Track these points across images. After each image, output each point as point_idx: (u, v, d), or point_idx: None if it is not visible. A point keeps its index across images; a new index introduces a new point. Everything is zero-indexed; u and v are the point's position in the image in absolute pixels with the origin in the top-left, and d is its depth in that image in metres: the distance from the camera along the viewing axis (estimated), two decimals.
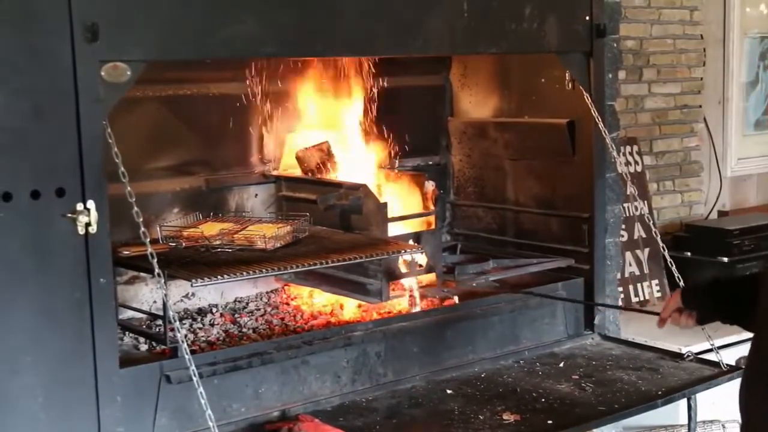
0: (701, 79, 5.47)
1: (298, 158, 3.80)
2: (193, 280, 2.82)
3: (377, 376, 3.30)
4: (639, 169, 5.04)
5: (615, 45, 3.84)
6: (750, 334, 2.24)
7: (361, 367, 3.26)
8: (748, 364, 2.16)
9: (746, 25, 5.68)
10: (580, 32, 3.69)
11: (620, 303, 4.09)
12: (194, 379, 2.58)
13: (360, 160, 3.90)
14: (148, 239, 2.64)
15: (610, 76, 3.82)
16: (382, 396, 3.25)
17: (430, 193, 3.74)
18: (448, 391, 3.31)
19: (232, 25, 2.83)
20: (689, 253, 5.04)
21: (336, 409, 3.14)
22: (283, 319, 3.55)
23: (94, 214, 2.55)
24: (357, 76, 3.97)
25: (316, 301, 3.75)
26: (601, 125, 3.69)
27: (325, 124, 3.92)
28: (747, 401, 2.12)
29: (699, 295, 2.75)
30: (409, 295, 3.61)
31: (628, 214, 4.76)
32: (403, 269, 3.50)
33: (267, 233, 3.23)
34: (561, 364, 3.59)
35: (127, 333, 3.29)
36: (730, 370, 3.42)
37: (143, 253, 2.70)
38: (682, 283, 3.46)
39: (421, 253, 3.48)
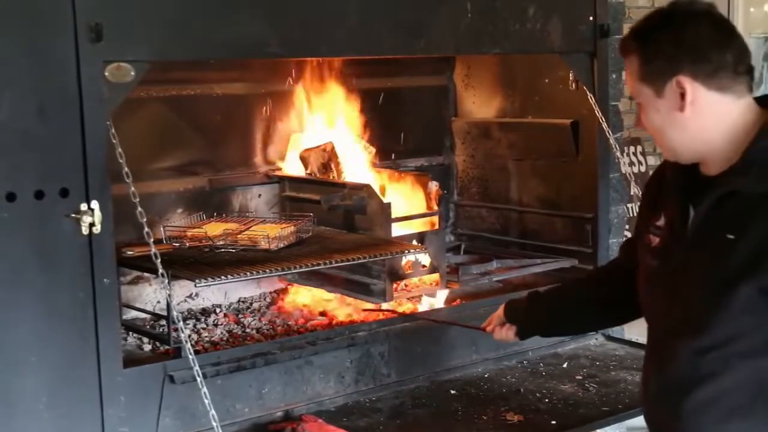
0: None
1: (301, 158, 3.80)
2: (197, 281, 2.82)
3: (381, 376, 3.30)
4: (643, 169, 5.05)
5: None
6: None
7: (365, 367, 3.26)
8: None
9: (750, 26, 5.68)
10: (583, 32, 3.68)
11: None
12: (198, 379, 2.58)
13: (363, 161, 3.90)
14: (152, 239, 2.64)
15: (614, 76, 3.81)
16: (386, 396, 3.25)
17: (434, 193, 3.74)
18: (452, 392, 3.31)
19: (236, 26, 2.83)
20: None
21: (339, 409, 3.15)
22: (285, 319, 3.55)
23: (97, 214, 2.55)
24: (361, 76, 3.98)
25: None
26: (604, 125, 3.69)
27: (328, 124, 3.92)
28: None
29: (517, 309, 2.74)
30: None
31: (631, 215, 4.76)
32: (407, 270, 3.50)
33: (270, 233, 3.23)
34: (564, 365, 3.59)
35: (130, 333, 3.29)
36: None
37: (147, 254, 2.70)
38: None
39: (425, 253, 3.48)
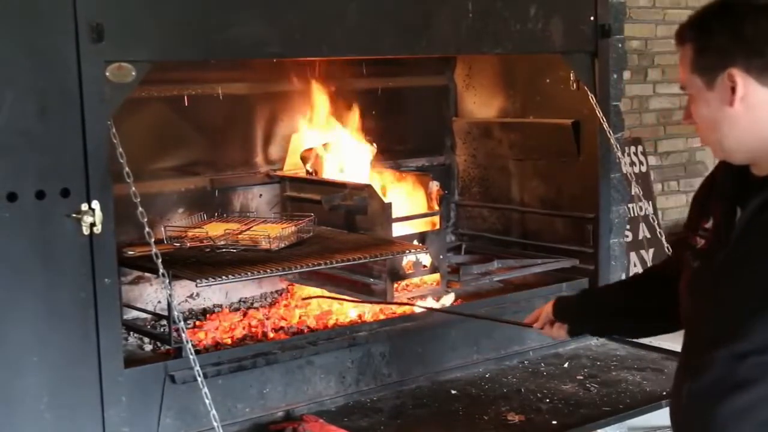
0: None
1: (302, 158, 3.80)
2: (198, 281, 2.83)
3: (382, 376, 3.30)
4: (644, 169, 5.04)
5: (620, 45, 3.83)
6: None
7: (366, 367, 3.26)
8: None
9: None
10: (584, 32, 3.68)
11: None
12: (199, 379, 2.58)
13: (364, 161, 3.90)
14: (153, 239, 2.65)
15: (615, 76, 3.81)
16: (387, 396, 3.25)
17: (435, 193, 3.74)
18: (453, 392, 3.32)
19: (238, 26, 2.83)
20: None
21: (340, 409, 3.15)
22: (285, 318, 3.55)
23: (98, 214, 2.55)
24: (362, 76, 3.98)
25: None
26: (605, 125, 3.69)
27: (329, 124, 3.92)
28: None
29: (567, 306, 2.65)
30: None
31: (632, 215, 4.77)
32: (408, 270, 3.50)
33: (271, 233, 3.23)
34: (565, 365, 3.59)
35: (131, 333, 3.29)
36: None
37: (148, 254, 2.70)
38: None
39: (426, 253, 3.48)
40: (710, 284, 1.98)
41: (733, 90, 1.86)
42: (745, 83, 1.85)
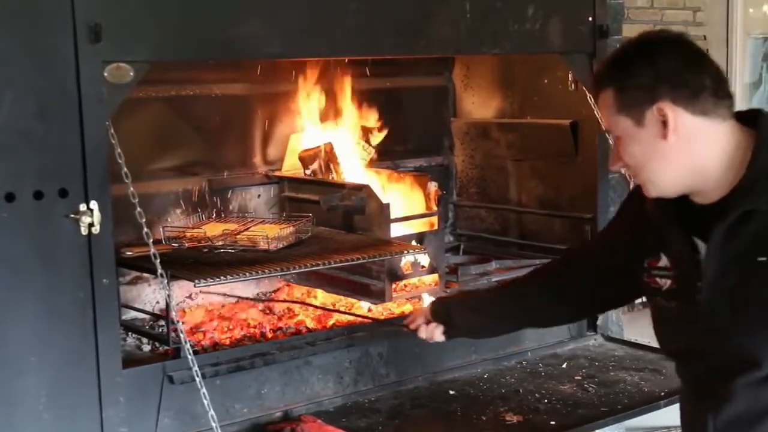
0: None
1: (300, 159, 3.80)
2: (196, 281, 2.82)
3: (380, 376, 3.30)
4: None
5: (618, 46, 3.83)
6: None
7: (364, 367, 3.26)
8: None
9: (749, 26, 5.68)
10: (583, 33, 3.68)
11: None
12: (197, 379, 2.58)
13: (363, 161, 3.90)
14: (151, 240, 2.64)
15: None
16: (385, 397, 3.25)
17: (433, 193, 3.74)
18: (451, 392, 3.32)
19: (236, 26, 2.83)
20: None
21: (338, 409, 3.15)
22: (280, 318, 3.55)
23: (97, 214, 2.55)
24: (360, 76, 3.98)
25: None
26: (603, 126, 3.68)
27: (327, 124, 3.92)
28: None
29: (445, 308, 2.61)
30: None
31: None
32: (406, 270, 3.50)
33: (270, 234, 3.23)
34: (564, 365, 3.59)
35: (130, 333, 3.29)
36: None
37: (146, 254, 2.69)
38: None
39: (424, 253, 3.48)
40: (702, 319, 1.94)
41: (665, 123, 1.85)
42: (675, 115, 1.84)
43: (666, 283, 2.02)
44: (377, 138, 3.93)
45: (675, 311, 2.02)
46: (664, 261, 2.02)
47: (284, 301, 3.67)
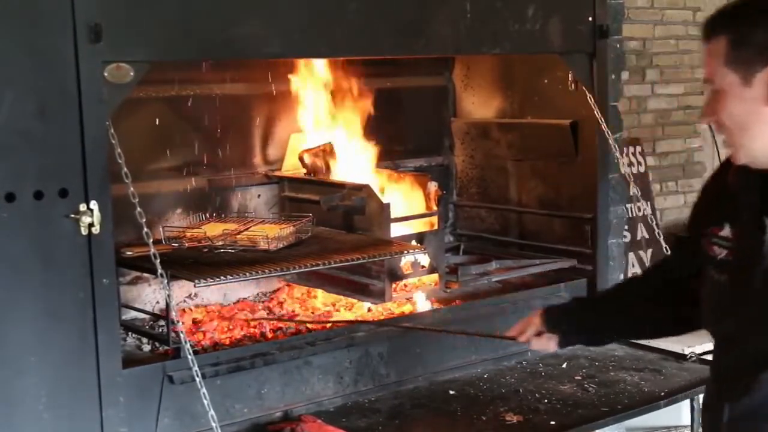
0: None
1: (301, 159, 3.80)
2: (196, 281, 2.83)
3: (380, 376, 3.30)
4: (642, 169, 5.04)
5: (618, 46, 3.84)
6: None
7: (364, 367, 3.26)
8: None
9: None
10: (583, 33, 3.68)
11: None
12: (197, 379, 2.58)
13: (363, 161, 3.90)
14: (151, 240, 2.65)
15: (613, 76, 3.82)
16: (385, 397, 3.25)
17: (433, 193, 3.74)
18: (451, 392, 3.32)
19: (236, 26, 2.83)
20: None
21: (339, 409, 3.15)
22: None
23: (97, 214, 2.55)
24: (360, 76, 3.98)
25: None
26: (604, 126, 3.69)
27: (328, 124, 3.92)
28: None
29: (559, 316, 2.48)
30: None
31: (631, 215, 4.77)
32: (406, 270, 3.50)
33: (270, 234, 3.23)
34: (564, 365, 3.59)
35: (130, 333, 3.29)
36: None
37: (146, 254, 2.70)
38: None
39: (424, 253, 3.48)
40: (749, 304, 1.86)
41: None
42: None
43: (722, 252, 1.91)
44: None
45: (725, 288, 1.92)
46: (726, 231, 1.90)
47: (271, 319, 3.50)
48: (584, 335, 2.51)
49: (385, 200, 3.51)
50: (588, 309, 2.53)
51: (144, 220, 2.64)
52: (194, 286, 2.87)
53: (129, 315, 3.41)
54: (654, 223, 3.97)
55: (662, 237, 3.88)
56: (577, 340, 2.57)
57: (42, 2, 2.48)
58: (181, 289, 3.58)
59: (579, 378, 3.45)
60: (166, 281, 2.67)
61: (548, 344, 2.48)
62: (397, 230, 3.52)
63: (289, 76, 3.81)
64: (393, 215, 3.49)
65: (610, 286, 2.80)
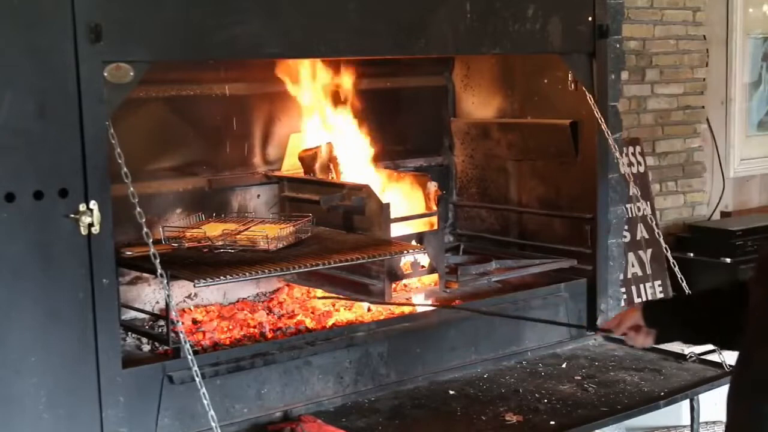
0: (704, 79, 5.46)
1: (300, 159, 3.80)
2: (196, 281, 2.82)
3: (380, 376, 3.30)
4: (642, 169, 5.04)
5: (618, 46, 3.84)
6: None
7: (364, 367, 3.26)
8: (736, 376, 2.07)
9: (749, 26, 5.68)
10: (583, 33, 3.69)
11: (622, 304, 4.07)
12: (197, 379, 2.58)
13: (363, 161, 3.90)
14: (151, 240, 2.65)
15: (613, 76, 3.82)
16: (385, 397, 3.25)
17: (433, 193, 3.74)
18: (451, 392, 3.32)
19: (236, 26, 2.83)
20: (692, 254, 5.05)
21: (338, 409, 3.15)
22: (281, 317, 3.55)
23: (96, 214, 2.55)
24: (360, 76, 3.98)
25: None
26: (603, 126, 3.69)
27: (327, 125, 3.92)
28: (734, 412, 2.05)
29: (663, 312, 2.52)
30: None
31: (630, 215, 4.76)
32: (406, 270, 3.50)
33: (270, 234, 3.23)
34: (563, 365, 3.59)
35: (129, 333, 3.29)
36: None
37: (146, 254, 2.70)
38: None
39: (424, 253, 3.48)
40: None
41: None
42: None
43: None
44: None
45: None
46: None
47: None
48: (686, 332, 2.49)
49: (384, 200, 3.51)
50: (689, 306, 2.53)
51: (144, 220, 2.64)
52: (194, 286, 2.86)
53: (129, 315, 3.41)
54: (654, 223, 3.97)
55: (662, 237, 3.88)
56: (676, 337, 2.56)
57: (42, 2, 2.48)
58: (181, 289, 3.58)
59: (579, 378, 3.45)
60: (165, 281, 2.67)
61: (646, 339, 2.49)
62: (397, 230, 3.52)
63: (289, 76, 3.81)
64: (393, 215, 3.49)
65: (708, 288, 2.79)
